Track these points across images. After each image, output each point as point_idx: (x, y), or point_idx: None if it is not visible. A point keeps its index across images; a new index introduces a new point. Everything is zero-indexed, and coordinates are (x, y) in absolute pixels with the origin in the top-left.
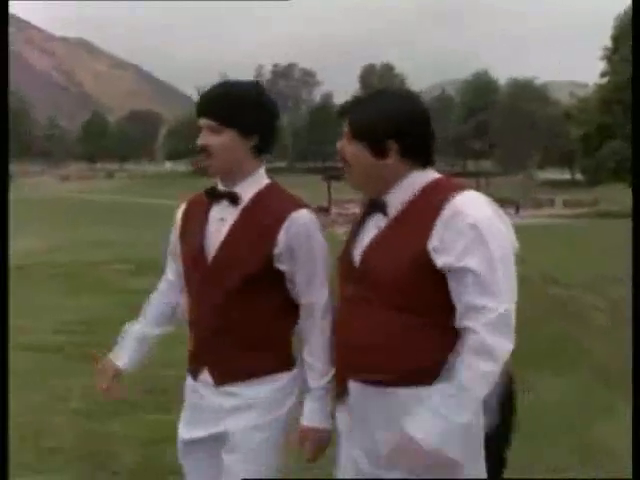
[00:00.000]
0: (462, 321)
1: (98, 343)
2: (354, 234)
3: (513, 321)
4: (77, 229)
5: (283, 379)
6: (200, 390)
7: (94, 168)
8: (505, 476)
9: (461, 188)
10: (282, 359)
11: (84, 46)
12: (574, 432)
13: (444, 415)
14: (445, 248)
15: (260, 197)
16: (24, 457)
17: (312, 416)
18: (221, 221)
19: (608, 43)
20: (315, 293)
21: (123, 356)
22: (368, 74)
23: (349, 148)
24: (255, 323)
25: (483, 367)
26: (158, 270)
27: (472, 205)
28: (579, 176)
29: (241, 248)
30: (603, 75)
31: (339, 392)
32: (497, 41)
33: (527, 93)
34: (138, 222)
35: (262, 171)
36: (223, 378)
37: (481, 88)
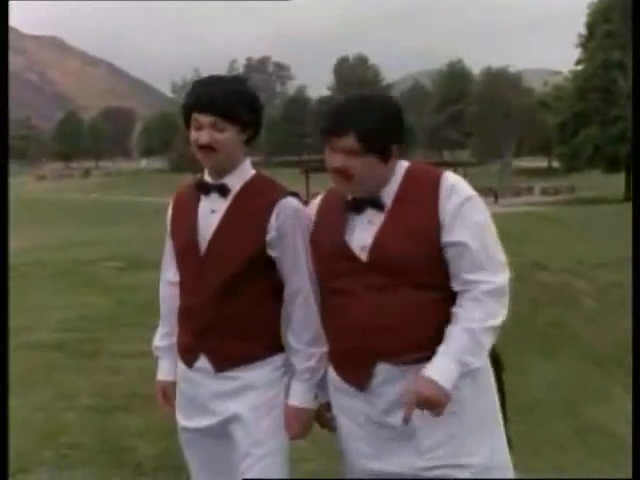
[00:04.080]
0: (461, 290)
1: (97, 339)
2: (337, 232)
3: (507, 291)
4: (60, 228)
5: (278, 360)
6: (196, 378)
7: (70, 167)
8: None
9: (437, 168)
10: (277, 341)
11: (56, 44)
12: (569, 413)
13: (463, 362)
14: (446, 221)
15: (249, 186)
16: (44, 454)
17: (300, 397)
18: (212, 213)
19: (582, 30)
20: (300, 278)
21: (169, 372)
22: (341, 66)
23: (357, 163)
24: (251, 309)
25: (487, 319)
26: (147, 266)
27: (462, 184)
28: (555, 163)
29: (234, 237)
30: (578, 63)
31: (358, 379)
32: (470, 31)
33: (501, 82)
34: (119, 219)
35: (248, 162)
36: (223, 364)
37: (455, 78)
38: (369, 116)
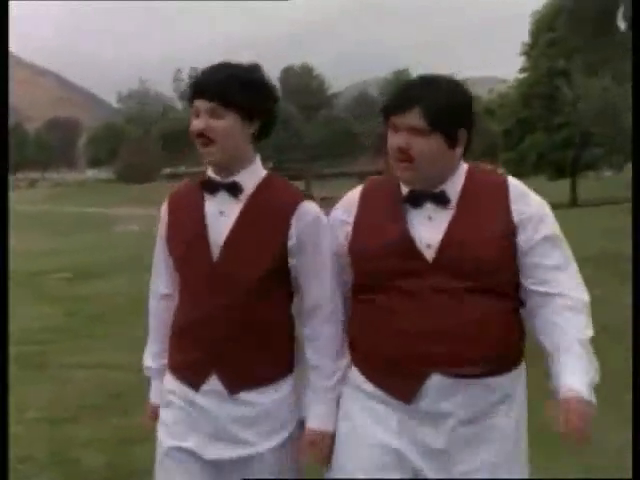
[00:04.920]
0: (551, 286)
1: (47, 351)
2: (395, 226)
3: None
4: (8, 240)
5: (290, 380)
6: (203, 403)
7: (16, 178)
8: None
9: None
10: (291, 359)
11: None
12: (533, 418)
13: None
14: (527, 225)
15: (264, 186)
16: None
17: (324, 418)
18: (221, 215)
19: (526, 38)
20: (323, 290)
21: (157, 394)
22: (287, 75)
23: (422, 143)
24: (269, 322)
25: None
26: (95, 277)
27: (525, 186)
28: (501, 170)
29: (252, 243)
30: (522, 70)
31: (406, 392)
32: (418, 38)
33: None
34: (67, 230)
35: (259, 160)
36: (238, 385)
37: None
38: (436, 93)
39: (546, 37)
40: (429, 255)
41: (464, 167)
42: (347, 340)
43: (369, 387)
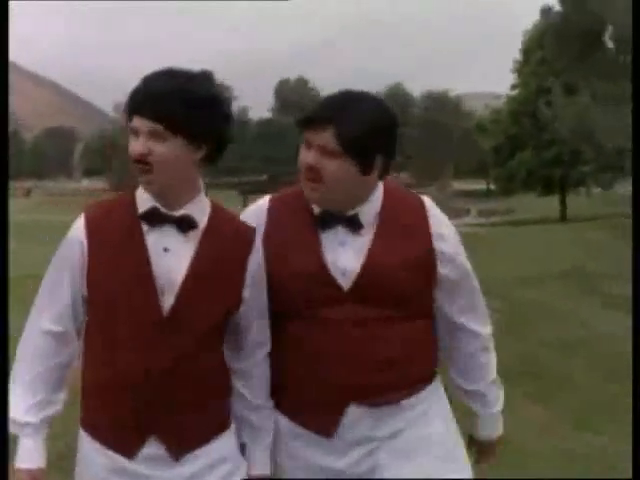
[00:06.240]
0: (468, 322)
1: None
2: (308, 250)
3: None
4: (8, 245)
5: (233, 428)
6: (142, 470)
7: (11, 186)
8: None
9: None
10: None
11: None
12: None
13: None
14: (448, 252)
15: (214, 222)
16: None
17: (265, 463)
18: (165, 252)
19: (518, 56)
20: (264, 328)
21: (42, 455)
22: (282, 88)
23: (332, 165)
24: (219, 369)
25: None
26: None
27: (440, 211)
28: (493, 186)
29: (209, 291)
30: (513, 87)
31: (324, 428)
32: (412, 53)
33: (442, 105)
34: (56, 238)
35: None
36: (184, 446)
37: (395, 101)
38: (355, 115)
39: (537, 55)
40: (344, 283)
41: (381, 189)
42: None
43: (291, 425)
